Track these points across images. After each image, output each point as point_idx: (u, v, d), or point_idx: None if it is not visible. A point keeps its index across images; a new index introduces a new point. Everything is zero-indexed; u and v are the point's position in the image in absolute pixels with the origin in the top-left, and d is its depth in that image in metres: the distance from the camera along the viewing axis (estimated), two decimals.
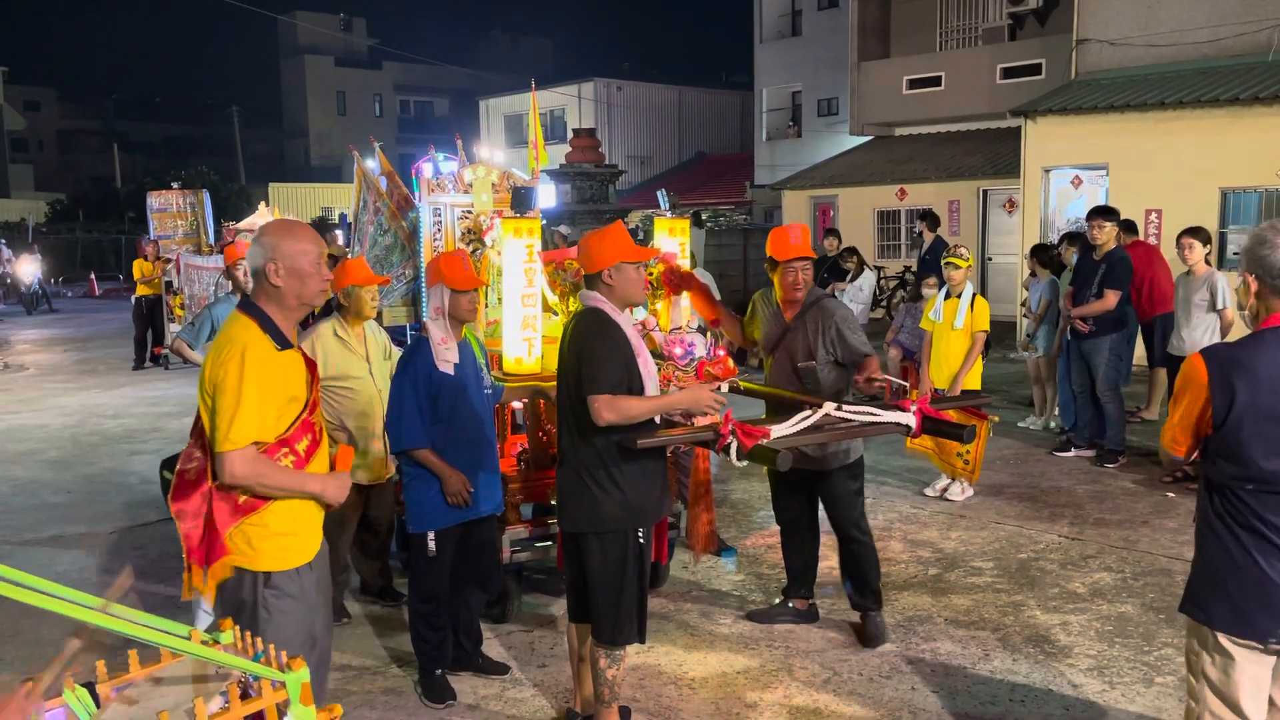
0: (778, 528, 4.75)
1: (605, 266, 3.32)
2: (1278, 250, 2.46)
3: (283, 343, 2.75)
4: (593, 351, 3.25)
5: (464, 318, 3.96)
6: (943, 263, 6.75)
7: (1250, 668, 2.48)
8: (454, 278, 3.87)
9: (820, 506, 4.63)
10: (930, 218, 11.43)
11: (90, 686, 2.12)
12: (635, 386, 3.30)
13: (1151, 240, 11.05)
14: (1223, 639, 2.50)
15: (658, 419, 3.40)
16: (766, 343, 4.44)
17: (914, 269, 13.85)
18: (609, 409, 3.19)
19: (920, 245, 11.78)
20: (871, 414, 3.76)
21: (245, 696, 2.09)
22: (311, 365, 2.87)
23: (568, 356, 3.38)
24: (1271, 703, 2.55)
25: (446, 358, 3.88)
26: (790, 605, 4.71)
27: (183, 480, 2.80)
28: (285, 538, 2.80)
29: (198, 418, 2.81)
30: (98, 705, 2.08)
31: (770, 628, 4.64)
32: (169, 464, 2.87)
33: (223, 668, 2.15)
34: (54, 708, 2.01)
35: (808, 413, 3.71)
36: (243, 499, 2.75)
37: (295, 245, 2.75)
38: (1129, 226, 8.72)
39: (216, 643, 2.24)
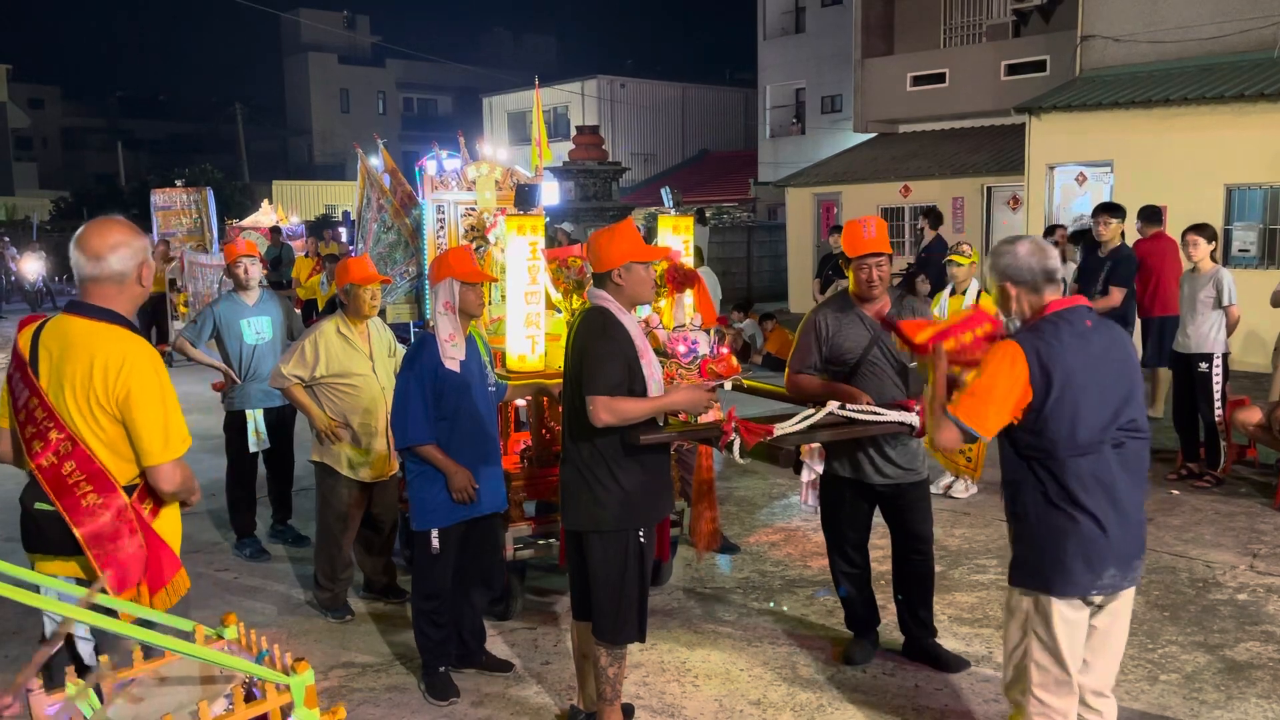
0: (781, 525, 4.72)
1: (614, 266, 3.31)
2: (1017, 255, 2.81)
3: None
4: (593, 352, 3.24)
5: (472, 312, 3.96)
6: (945, 260, 6.74)
7: (1072, 624, 2.79)
8: (464, 271, 3.87)
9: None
10: (933, 215, 11.31)
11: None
12: (638, 388, 3.29)
13: None
14: (1054, 602, 2.78)
15: (660, 419, 3.40)
16: (851, 355, 4.01)
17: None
18: (606, 410, 3.19)
19: (921, 241, 11.67)
20: (875, 413, 3.75)
21: (250, 698, 2.09)
22: None
23: (571, 355, 3.38)
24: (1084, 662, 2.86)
25: (453, 355, 3.88)
26: (876, 633, 4.36)
27: (79, 506, 2.58)
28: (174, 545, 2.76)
29: (47, 433, 2.58)
30: (101, 700, 2.08)
31: (773, 626, 4.64)
32: (37, 495, 2.65)
33: (226, 669, 2.15)
34: (55, 702, 2.01)
35: (811, 411, 3.70)
36: (147, 511, 2.66)
37: (147, 245, 2.72)
38: (1154, 216, 8.50)
39: (220, 638, 2.25)
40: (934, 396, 2.91)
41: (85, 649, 2.74)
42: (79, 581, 2.66)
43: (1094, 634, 2.87)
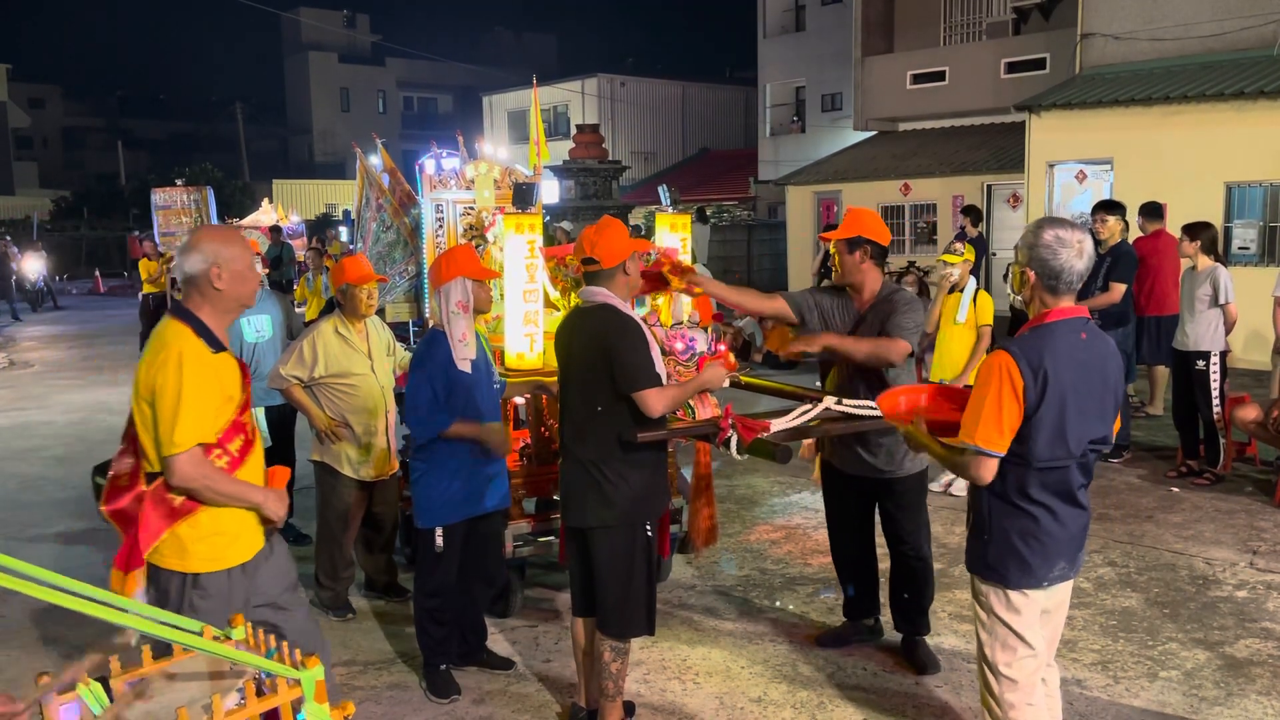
0: (782, 523, 4.74)
1: (626, 257, 3.38)
2: (1060, 257, 2.73)
3: (216, 345, 2.82)
4: (627, 349, 3.27)
5: (484, 309, 3.99)
6: (937, 260, 6.75)
7: (1034, 607, 2.91)
8: (475, 269, 3.89)
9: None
10: (973, 213, 11.20)
11: (104, 680, 2.14)
12: None
13: None
14: (1014, 592, 2.88)
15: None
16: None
17: (917, 264, 13.82)
18: (659, 401, 3.26)
19: (963, 238, 11.44)
20: (872, 408, 3.76)
21: (260, 693, 2.11)
22: (244, 367, 2.94)
23: (588, 353, 3.37)
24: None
25: (466, 354, 3.88)
26: (861, 624, 4.43)
27: (115, 486, 2.82)
28: (218, 538, 2.83)
29: (130, 421, 2.82)
30: (111, 699, 2.10)
31: (774, 624, 4.66)
32: (101, 470, 2.87)
33: (237, 664, 2.16)
34: (68, 702, 2.03)
35: (807, 406, 3.72)
36: (179, 501, 2.76)
37: (234, 250, 2.85)
38: (1155, 212, 8.51)
39: (229, 638, 2.26)
40: (940, 453, 2.91)
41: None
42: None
43: (1040, 615, 3.01)
